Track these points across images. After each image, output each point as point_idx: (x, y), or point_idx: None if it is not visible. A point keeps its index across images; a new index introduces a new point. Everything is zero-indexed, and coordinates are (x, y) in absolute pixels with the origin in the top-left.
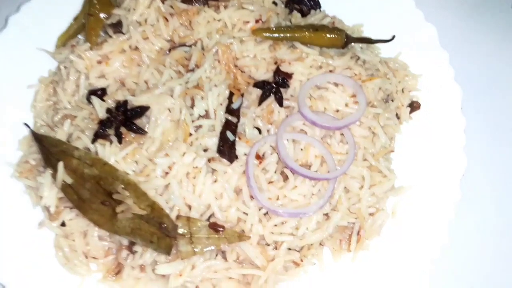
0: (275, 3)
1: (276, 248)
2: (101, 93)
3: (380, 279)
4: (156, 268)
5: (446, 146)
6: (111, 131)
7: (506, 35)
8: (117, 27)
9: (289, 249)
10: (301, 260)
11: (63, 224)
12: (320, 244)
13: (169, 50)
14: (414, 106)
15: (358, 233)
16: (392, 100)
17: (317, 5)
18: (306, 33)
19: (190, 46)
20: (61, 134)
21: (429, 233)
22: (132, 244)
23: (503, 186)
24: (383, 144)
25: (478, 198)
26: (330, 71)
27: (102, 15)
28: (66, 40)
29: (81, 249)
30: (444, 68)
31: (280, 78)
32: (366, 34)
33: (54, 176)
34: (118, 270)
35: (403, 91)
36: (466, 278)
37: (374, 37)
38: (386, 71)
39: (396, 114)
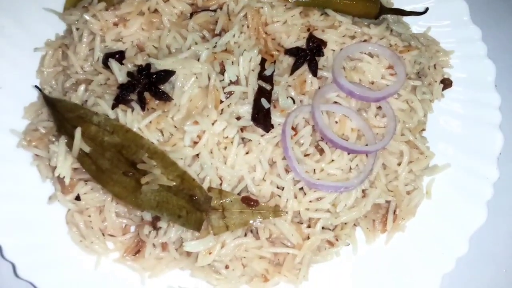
0: None
1: (309, 226)
2: (119, 56)
3: (412, 264)
4: (184, 245)
5: (479, 124)
6: (133, 96)
7: None
8: None
9: (323, 227)
10: (336, 240)
11: (77, 198)
12: (354, 224)
13: (191, 15)
14: (446, 83)
15: (394, 212)
16: (425, 76)
17: None
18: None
19: (214, 10)
20: (76, 99)
21: (466, 214)
22: (156, 219)
23: None
24: (420, 119)
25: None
26: (365, 40)
27: None
28: (76, 1)
29: (98, 226)
30: (477, 44)
31: (313, 45)
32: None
33: (69, 144)
34: (137, 249)
35: (435, 67)
36: (501, 260)
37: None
38: (418, 45)
39: (429, 91)
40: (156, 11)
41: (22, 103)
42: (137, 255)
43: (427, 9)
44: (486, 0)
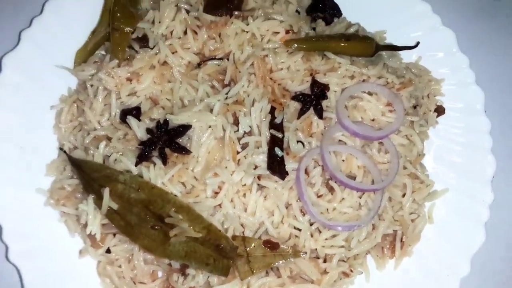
0: (298, 12)
1: (325, 261)
2: (136, 112)
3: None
4: None
5: (473, 149)
6: (154, 153)
7: None
8: (143, 41)
9: (340, 260)
10: (351, 271)
11: (107, 251)
12: (366, 253)
13: (199, 64)
14: (439, 110)
15: (401, 240)
16: (420, 106)
17: (339, 13)
18: (339, 42)
19: (221, 59)
20: (98, 157)
21: (466, 236)
22: (184, 266)
23: None
24: (419, 151)
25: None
26: (364, 80)
27: (126, 29)
28: (86, 56)
29: (128, 275)
30: (465, 72)
31: (317, 90)
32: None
33: (96, 202)
34: None
35: (428, 97)
36: (504, 273)
37: (393, 43)
38: (412, 77)
39: (424, 120)
40: (165, 63)
41: (44, 161)
42: None
43: (418, 43)
44: (472, 28)
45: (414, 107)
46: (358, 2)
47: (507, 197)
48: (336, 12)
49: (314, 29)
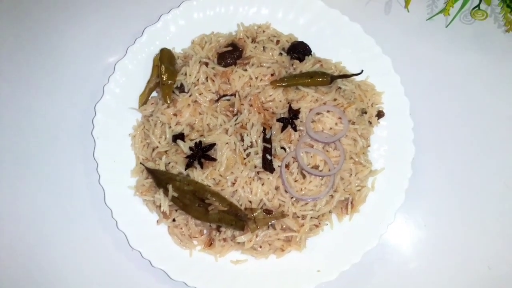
0: (281, 53)
1: (302, 218)
2: (181, 136)
3: (366, 229)
4: (236, 239)
5: (401, 140)
6: (195, 161)
7: (444, 50)
8: (181, 88)
9: (311, 217)
10: (319, 223)
11: (173, 220)
12: (330, 212)
13: (217, 100)
14: (380, 114)
15: (351, 203)
16: (366, 113)
17: (309, 52)
18: (305, 80)
19: (231, 95)
20: (162, 165)
21: (393, 198)
22: (218, 226)
23: (446, 165)
24: (361, 146)
25: (425, 175)
26: (324, 103)
27: (169, 82)
28: (145, 98)
29: (187, 233)
30: (397, 86)
31: (292, 113)
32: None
33: (165, 192)
34: (210, 243)
35: (372, 105)
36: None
37: (348, 69)
38: (360, 93)
39: (369, 122)
40: (196, 102)
41: (128, 168)
42: (210, 246)
43: (362, 71)
44: (404, 53)
45: (362, 114)
46: (324, 41)
47: (422, 172)
48: (306, 51)
49: (292, 65)
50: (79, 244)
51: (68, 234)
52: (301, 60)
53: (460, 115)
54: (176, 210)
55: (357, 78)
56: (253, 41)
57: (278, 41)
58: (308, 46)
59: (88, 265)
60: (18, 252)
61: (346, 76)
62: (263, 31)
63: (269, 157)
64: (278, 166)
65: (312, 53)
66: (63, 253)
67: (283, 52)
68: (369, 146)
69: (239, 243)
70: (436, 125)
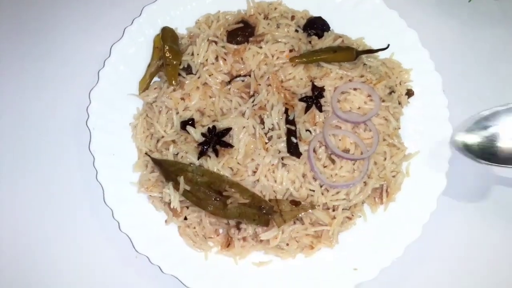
0: (297, 30)
1: (333, 210)
2: (191, 122)
3: (405, 220)
4: (259, 236)
5: (435, 119)
6: (209, 149)
7: (470, 25)
8: (188, 69)
9: (343, 209)
10: (352, 215)
11: (185, 219)
12: (362, 202)
13: (230, 81)
14: (409, 93)
15: (386, 191)
16: (394, 92)
17: (327, 27)
18: (329, 55)
19: (245, 75)
20: (170, 156)
21: (434, 182)
22: (238, 223)
23: None
24: (394, 126)
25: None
26: (350, 80)
27: (175, 62)
28: (145, 84)
29: (201, 233)
30: (426, 62)
31: (317, 91)
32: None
33: (175, 186)
34: (228, 243)
35: (400, 84)
36: (464, 207)
37: (372, 46)
38: (387, 70)
39: (398, 102)
40: (206, 84)
41: (129, 162)
42: (228, 247)
43: (388, 45)
44: (434, 25)
45: (390, 93)
46: (342, 17)
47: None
48: (325, 27)
49: (310, 42)
50: (75, 251)
51: (62, 240)
52: (319, 36)
53: (493, 92)
54: (188, 207)
55: (381, 55)
56: (265, 18)
57: (293, 17)
58: (326, 21)
59: (89, 278)
60: (9, 254)
61: (372, 51)
62: (275, 8)
63: (294, 140)
64: (305, 151)
65: (331, 28)
66: (57, 259)
67: (299, 29)
68: (399, 128)
69: (262, 241)
70: (469, 102)
